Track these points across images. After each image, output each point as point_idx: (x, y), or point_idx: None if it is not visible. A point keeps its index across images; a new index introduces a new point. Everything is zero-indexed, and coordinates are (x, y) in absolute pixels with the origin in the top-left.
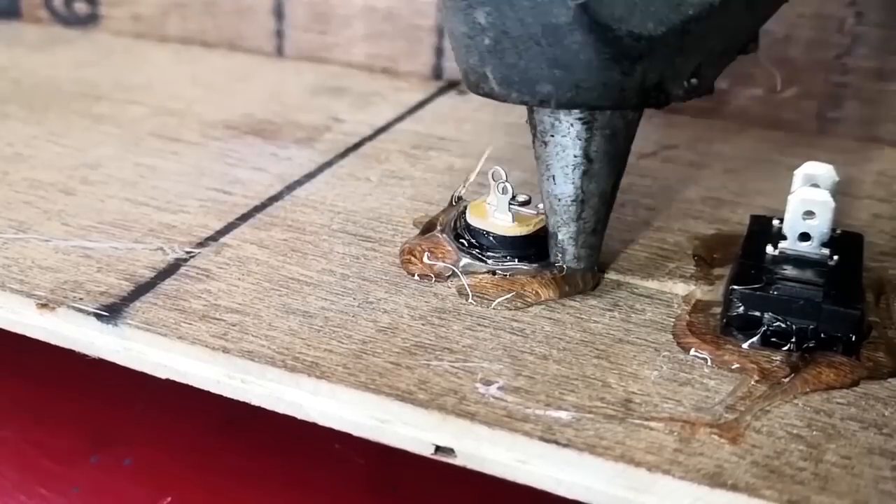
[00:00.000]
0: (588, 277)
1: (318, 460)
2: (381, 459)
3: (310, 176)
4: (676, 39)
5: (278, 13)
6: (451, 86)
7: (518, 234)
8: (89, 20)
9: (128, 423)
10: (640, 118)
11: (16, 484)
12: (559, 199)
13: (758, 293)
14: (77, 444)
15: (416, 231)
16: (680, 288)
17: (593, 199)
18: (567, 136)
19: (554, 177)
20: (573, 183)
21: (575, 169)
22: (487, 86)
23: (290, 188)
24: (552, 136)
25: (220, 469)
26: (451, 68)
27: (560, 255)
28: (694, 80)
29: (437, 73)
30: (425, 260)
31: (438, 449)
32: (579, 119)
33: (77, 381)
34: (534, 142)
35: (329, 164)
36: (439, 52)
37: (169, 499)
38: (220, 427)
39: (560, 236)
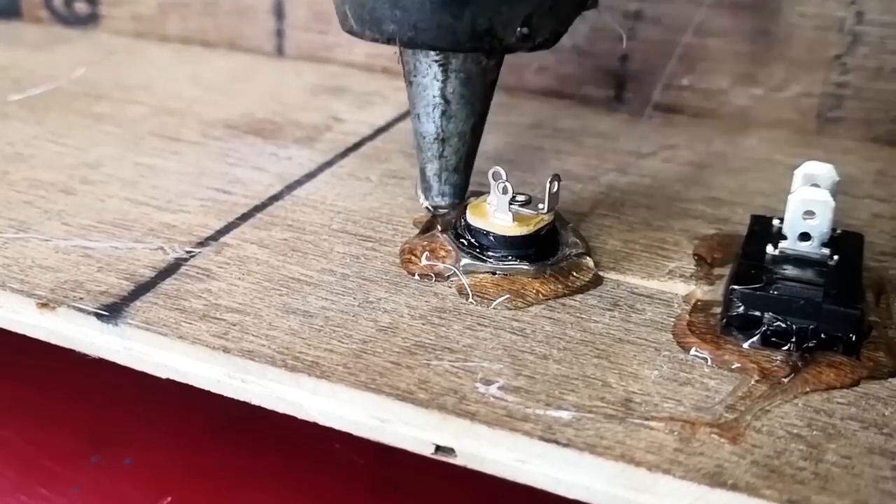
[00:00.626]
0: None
1: (319, 460)
2: (382, 459)
3: (310, 175)
4: None
5: (278, 13)
6: None
7: (518, 233)
8: (89, 20)
9: (128, 423)
10: (496, 66)
11: (16, 484)
12: (424, 137)
13: (758, 293)
14: (77, 443)
15: (417, 231)
16: (680, 288)
17: (453, 139)
18: (426, 76)
19: (418, 115)
20: (434, 122)
21: (434, 109)
22: (348, 24)
23: (291, 188)
24: (415, 76)
25: (221, 469)
26: None
27: (426, 192)
28: (524, 29)
29: None
30: (425, 260)
31: (439, 448)
32: (436, 62)
33: (77, 381)
34: (405, 82)
35: (329, 163)
36: None
37: (169, 498)
38: (221, 427)
39: (427, 173)
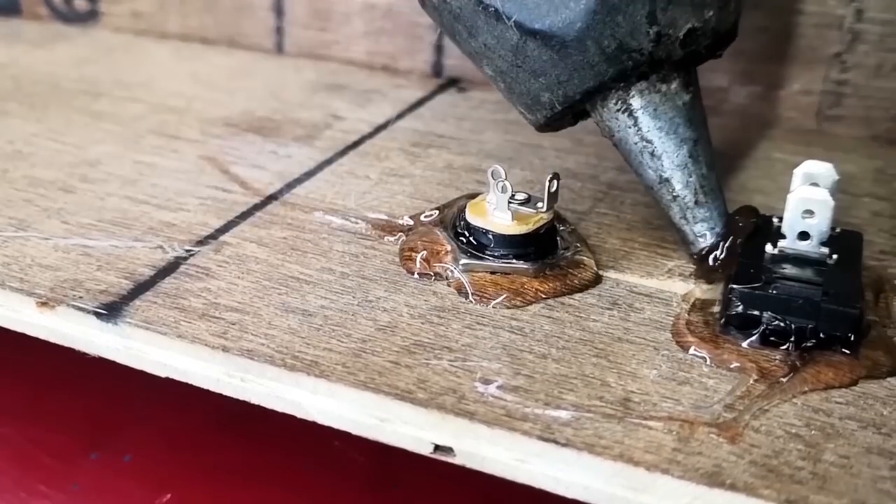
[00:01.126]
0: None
1: (318, 458)
2: (381, 457)
3: (310, 174)
4: (600, 4)
5: (278, 10)
6: (451, 83)
7: (517, 232)
8: (89, 17)
9: (127, 420)
10: (683, 86)
11: (16, 481)
12: (652, 188)
13: (757, 292)
14: (77, 441)
15: (416, 229)
16: (679, 286)
17: (676, 174)
18: (620, 129)
19: (637, 170)
20: (649, 167)
21: (643, 154)
22: (530, 118)
23: (290, 186)
24: (613, 136)
25: (220, 466)
26: (451, 66)
27: (685, 242)
28: (655, 28)
29: (437, 70)
30: (425, 258)
31: (437, 448)
32: (618, 110)
33: (77, 379)
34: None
35: (329, 161)
36: (439, 49)
37: (169, 496)
38: (220, 424)
39: (675, 220)
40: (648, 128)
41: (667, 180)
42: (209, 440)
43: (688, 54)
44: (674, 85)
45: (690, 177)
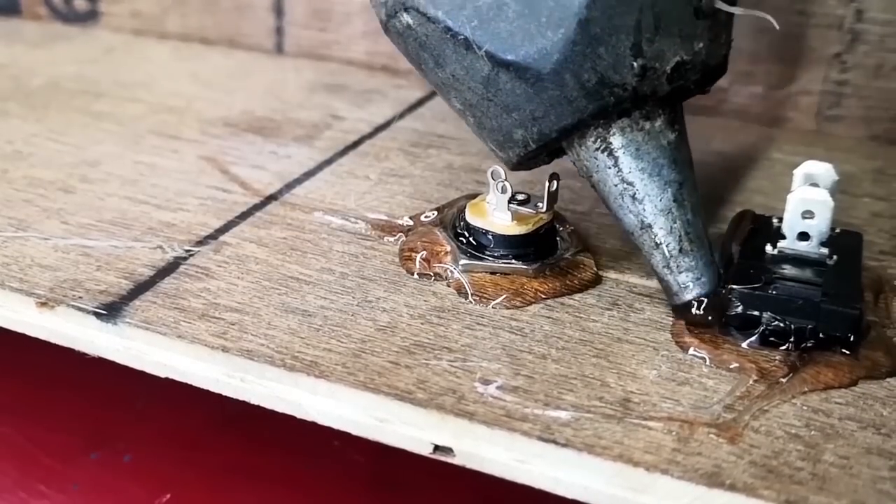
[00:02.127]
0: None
1: (318, 457)
2: (381, 456)
3: (309, 174)
4: (582, 33)
5: (278, 10)
6: None
7: (517, 232)
8: (89, 17)
9: (127, 420)
10: (668, 124)
11: (16, 481)
12: (632, 234)
13: (757, 293)
14: (77, 441)
15: (416, 229)
16: None
17: (659, 219)
18: (599, 170)
19: (616, 214)
20: (630, 211)
21: (623, 197)
22: (501, 156)
23: (290, 186)
24: (591, 176)
25: (219, 466)
26: None
27: (669, 293)
28: (640, 61)
29: None
30: (424, 258)
31: (437, 448)
32: (597, 149)
33: (76, 379)
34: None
35: (329, 161)
36: None
37: (168, 495)
38: (220, 424)
39: (657, 270)
40: (630, 169)
41: (649, 226)
42: (209, 440)
43: (675, 89)
44: (658, 122)
45: (675, 223)
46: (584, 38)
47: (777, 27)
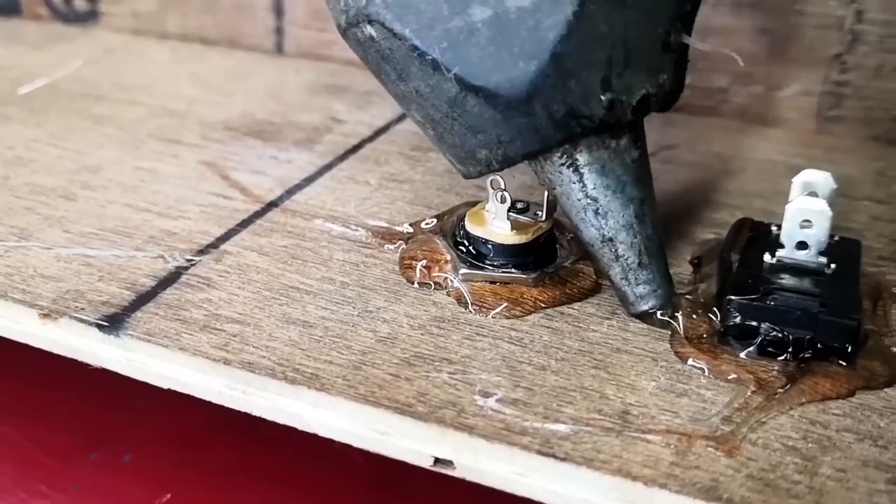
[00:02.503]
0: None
1: (318, 458)
2: (381, 457)
3: (310, 179)
4: (553, 68)
5: (278, 10)
6: None
7: (516, 242)
8: (89, 17)
9: (127, 420)
10: (632, 142)
11: (15, 481)
12: (592, 245)
13: (755, 303)
14: (77, 441)
15: (416, 238)
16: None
17: (620, 234)
18: (563, 184)
19: (577, 226)
20: (592, 225)
21: (586, 211)
22: (460, 169)
23: (290, 192)
24: (555, 188)
25: (220, 466)
26: None
27: (625, 302)
28: (609, 95)
29: None
30: (424, 267)
31: (437, 461)
32: (563, 164)
33: (76, 379)
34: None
35: (329, 166)
36: None
37: (168, 495)
38: (220, 424)
39: (615, 281)
40: (595, 185)
41: (610, 240)
42: (209, 440)
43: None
44: (623, 141)
45: (635, 238)
46: (556, 71)
47: (741, 64)
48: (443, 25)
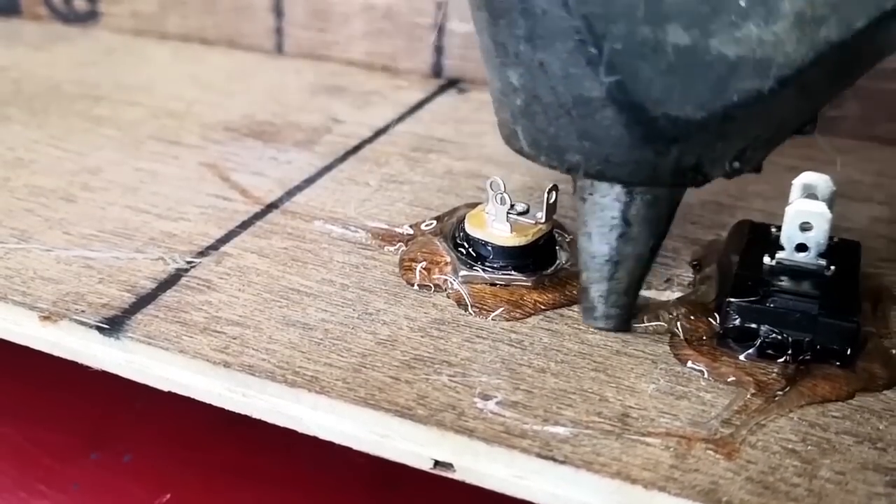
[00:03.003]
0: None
1: (318, 458)
2: (381, 458)
3: (310, 181)
4: (718, 125)
5: (277, 11)
6: (451, 84)
7: (516, 244)
8: (89, 17)
9: (127, 420)
10: (682, 188)
11: (16, 481)
12: (593, 258)
13: (754, 305)
14: (77, 441)
15: (416, 239)
16: (677, 297)
17: (628, 262)
18: (606, 196)
19: (590, 234)
20: (608, 244)
21: (612, 230)
22: (517, 143)
23: (290, 193)
24: (591, 194)
25: (219, 466)
26: (451, 66)
27: (588, 313)
28: (736, 164)
29: (437, 70)
30: (424, 269)
31: (437, 464)
32: (621, 182)
33: (77, 379)
34: (574, 194)
35: (329, 167)
36: (439, 49)
37: (168, 495)
38: (220, 424)
39: (591, 293)
40: (637, 212)
41: (616, 262)
42: (209, 440)
43: None
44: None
45: (639, 268)
46: (716, 129)
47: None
48: (628, 26)
